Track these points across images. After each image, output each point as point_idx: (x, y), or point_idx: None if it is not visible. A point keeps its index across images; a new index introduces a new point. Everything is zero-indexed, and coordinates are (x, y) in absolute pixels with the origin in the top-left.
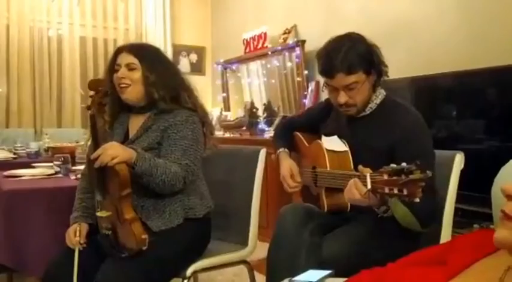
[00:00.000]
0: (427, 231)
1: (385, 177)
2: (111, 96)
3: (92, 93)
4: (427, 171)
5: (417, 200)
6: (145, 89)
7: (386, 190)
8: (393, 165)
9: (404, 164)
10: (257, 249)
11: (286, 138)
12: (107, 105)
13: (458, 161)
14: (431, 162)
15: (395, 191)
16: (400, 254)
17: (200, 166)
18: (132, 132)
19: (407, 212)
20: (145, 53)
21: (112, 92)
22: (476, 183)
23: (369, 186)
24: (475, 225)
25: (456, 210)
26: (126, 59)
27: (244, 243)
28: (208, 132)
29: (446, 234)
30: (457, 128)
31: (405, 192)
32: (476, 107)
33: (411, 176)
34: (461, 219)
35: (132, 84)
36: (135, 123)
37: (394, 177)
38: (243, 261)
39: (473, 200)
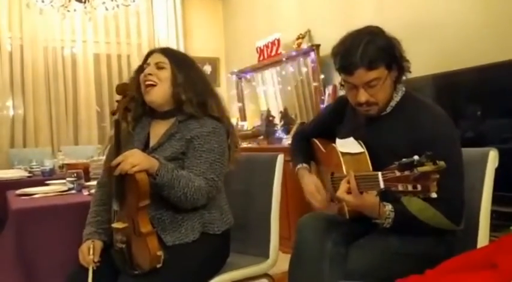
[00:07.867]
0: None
1: (397, 173)
2: (136, 99)
3: (118, 97)
4: (441, 162)
5: (434, 195)
6: (173, 90)
7: (400, 188)
8: (404, 160)
9: (416, 157)
10: (280, 261)
11: (301, 151)
12: (131, 111)
13: (493, 158)
14: (459, 162)
15: (410, 188)
16: (435, 261)
17: (223, 180)
18: (153, 139)
19: (423, 205)
20: (175, 54)
21: (137, 94)
22: (509, 183)
23: (382, 186)
24: None
25: (491, 212)
26: (156, 58)
27: (265, 255)
28: (233, 144)
29: (483, 237)
30: (483, 126)
31: (419, 187)
32: (503, 103)
33: (422, 169)
34: (497, 222)
35: (159, 84)
36: (157, 130)
37: (406, 172)
38: (265, 275)
39: (507, 201)
